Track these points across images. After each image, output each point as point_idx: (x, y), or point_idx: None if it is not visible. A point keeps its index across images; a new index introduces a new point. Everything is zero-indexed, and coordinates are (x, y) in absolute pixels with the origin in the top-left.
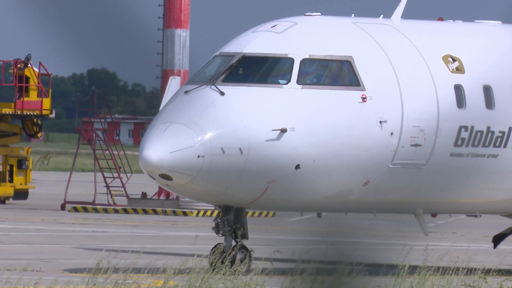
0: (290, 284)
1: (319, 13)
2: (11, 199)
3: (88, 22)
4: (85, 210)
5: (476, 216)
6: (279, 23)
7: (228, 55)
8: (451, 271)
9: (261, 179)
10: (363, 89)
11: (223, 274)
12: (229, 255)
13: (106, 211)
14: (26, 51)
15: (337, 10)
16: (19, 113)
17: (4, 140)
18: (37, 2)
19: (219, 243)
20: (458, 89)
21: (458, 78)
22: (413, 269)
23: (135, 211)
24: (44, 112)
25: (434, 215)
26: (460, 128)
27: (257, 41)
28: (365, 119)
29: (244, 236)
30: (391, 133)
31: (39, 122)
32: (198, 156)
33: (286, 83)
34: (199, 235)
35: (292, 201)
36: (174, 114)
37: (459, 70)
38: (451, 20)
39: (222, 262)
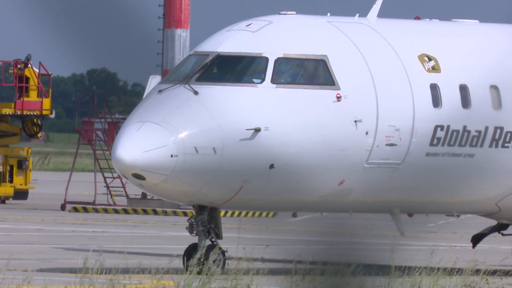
0: (290, 284)
1: (294, 12)
2: (11, 199)
3: (88, 22)
4: (85, 210)
5: (453, 216)
6: (253, 22)
7: (203, 54)
8: (454, 272)
9: (235, 178)
10: (338, 88)
11: (197, 273)
12: (202, 255)
13: (106, 211)
14: (26, 51)
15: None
16: (19, 113)
17: (4, 140)
18: (37, 2)
19: (192, 243)
20: (434, 88)
21: (434, 78)
22: (414, 270)
23: (135, 211)
24: (44, 112)
25: (410, 215)
26: (436, 127)
27: (232, 40)
28: (339, 118)
29: (218, 236)
30: (366, 133)
31: (39, 122)
32: (172, 156)
33: (261, 82)
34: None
35: (266, 201)
36: (147, 114)
37: (435, 69)
38: (428, 19)
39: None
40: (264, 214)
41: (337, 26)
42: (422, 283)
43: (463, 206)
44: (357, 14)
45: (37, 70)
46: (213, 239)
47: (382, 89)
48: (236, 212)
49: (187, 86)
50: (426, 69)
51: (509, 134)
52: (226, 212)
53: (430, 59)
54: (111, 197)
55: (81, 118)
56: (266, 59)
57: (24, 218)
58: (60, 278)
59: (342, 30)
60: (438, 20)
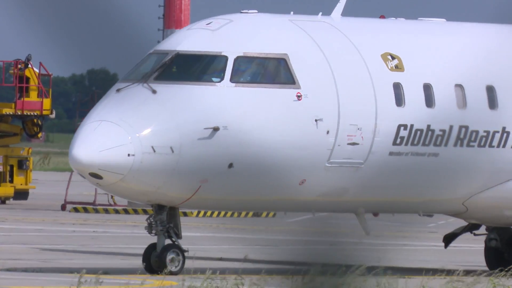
0: (290, 285)
1: (256, 11)
2: (11, 199)
3: (88, 23)
4: (86, 210)
5: (419, 215)
6: (214, 20)
7: (162, 53)
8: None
9: (193, 178)
10: (298, 87)
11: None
12: (161, 254)
13: (106, 211)
14: (27, 51)
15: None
16: (19, 113)
17: (4, 141)
18: (37, 2)
19: (152, 243)
20: (397, 87)
21: (397, 76)
22: (415, 270)
23: (136, 211)
24: (45, 113)
25: (376, 215)
26: (399, 126)
27: (191, 39)
28: (300, 117)
29: (178, 235)
30: (327, 132)
31: (40, 123)
32: (128, 155)
33: (220, 81)
34: (199, 235)
35: (226, 200)
36: (105, 113)
37: (399, 68)
38: (394, 18)
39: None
40: (264, 214)
41: (299, 25)
42: (431, 284)
43: (429, 205)
44: (320, 13)
45: (37, 70)
46: (173, 239)
47: (343, 88)
48: (236, 213)
49: (145, 85)
50: (389, 68)
51: (474, 133)
52: (226, 213)
53: (393, 58)
54: (112, 197)
55: (81, 118)
56: (226, 58)
57: (24, 218)
58: (60, 278)
59: (304, 28)
60: (403, 19)
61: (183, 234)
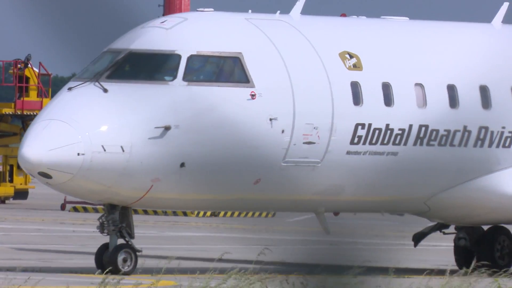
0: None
1: (212, 9)
2: (11, 199)
3: (88, 22)
4: (85, 210)
5: (382, 215)
6: (168, 19)
7: (115, 51)
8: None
9: (145, 177)
10: (253, 86)
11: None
12: (113, 254)
13: None
14: (26, 51)
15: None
16: (19, 113)
17: (4, 140)
18: (37, 2)
19: (104, 243)
20: (355, 86)
21: (355, 75)
22: (415, 270)
23: (135, 211)
24: None
25: (336, 214)
26: (357, 125)
27: (145, 37)
28: (254, 116)
29: (130, 235)
30: (282, 131)
31: None
32: (78, 154)
33: (172, 80)
34: (199, 235)
35: (179, 200)
36: (55, 112)
37: (357, 67)
38: (355, 16)
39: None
40: (264, 214)
41: (255, 23)
42: (431, 284)
43: (390, 205)
44: (278, 11)
45: (37, 70)
46: (126, 239)
47: (299, 87)
48: (236, 212)
49: (97, 83)
50: (347, 66)
51: (434, 133)
52: (225, 213)
53: (352, 56)
54: None
55: None
56: (179, 57)
57: (24, 218)
58: (60, 278)
59: (260, 27)
60: (365, 17)
61: (184, 234)
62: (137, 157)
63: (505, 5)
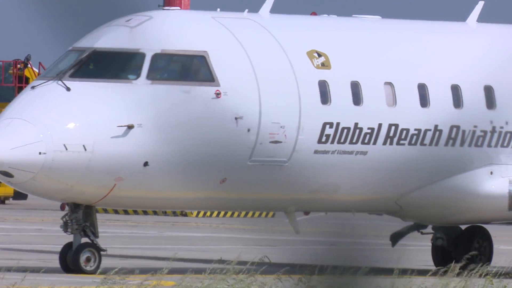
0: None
1: (178, 8)
2: (11, 199)
3: (88, 23)
4: None
5: (353, 214)
6: (134, 17)
7: (80, 50)
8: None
9: (107, 176)
10: (218, 85)
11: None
12: (76, 254)
13: (106, 211)
14: (26, 51)
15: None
16: None
17: None
18: (37, 1)
19: (68, 242)
20: (323, 85)
21: (323, 74)
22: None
23: (135, 211)
24: None
25: (306, 213)
26: (325, 124)
27: (109, 36)
28: (219, 115)
29: (94, 234)
30: (248, 130)
31: None
32: (40, 153)
33: (136, 79)
34: (199, 235)
35: (143, 199)
36: (18, 110)
37: (325, 65)
38: (326, 15)
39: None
40: (264, 214)
41: (222, 22)
42: (432, 284)
43: (361, 204)
44: (246, 10)
45: (36, 70)
46: (91, 238)
47: (265, 85)
48: (236, 213)
49: (59, 82)
50: (315, 65)
51: (404, 132)
52: (225, 213)
53: (320, 55)
54: None
55: None
56: (143, 55)
57: (24, 218)
58: (60, 278)
59: (227, 26)
60: (336, 16)
61: (184, 234)
62: (100, 156)
63: (480, 4)
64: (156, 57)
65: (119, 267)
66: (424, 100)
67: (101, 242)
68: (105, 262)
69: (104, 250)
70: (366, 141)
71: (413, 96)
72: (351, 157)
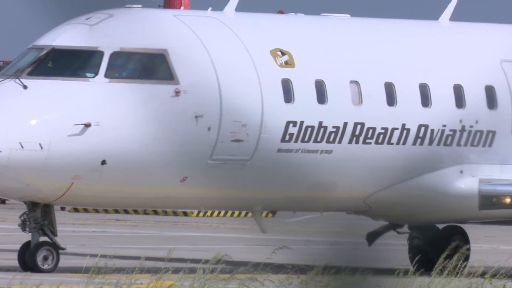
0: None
1: (140, 6)
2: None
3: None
4: (85, 210)
5: (321, 213)
6: (94, 15)
7: (38, 48)
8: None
9: (64, 174)
10: (177, 83)
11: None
12: (33, 252)
13: (106, 211)
14: None
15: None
16: None
17: None
18: (37, 1)
19: (27, 241)
20: (286, 83)
21: (287, 72)
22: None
23: (136, 211)
24: None
25: (273, 213)
26: (288, 123)
27: (68, 34)
28: (178, 113)
29: (53, 233)
30: (209, 128)
31: None
32: None
33: (93, 77)
34: (199, 235)
35: (101, 198)
36: None
37: (289, 64)
38: (294, 13)
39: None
40: (264, 214)
41: (183, 20)
42: (432, 284)
43: (328, 203)
44: (210, 8)
45: None
46: (49, 236)
47: (226, 84)
48: (236, 213)
49: (17, 80)
50: (278, 64)
51: (371, 130)
52: (226, 212)
53: (284, 54)
54: None
55: None
56: (101, 53)
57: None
58: (60, 278)
59: (188, 24)
60: (303, 14)
61: (185, 234)
62: (56, 154)
63: (453, 2)
64: (114, 55)
65: (119, 267)
66: (391, 99)
67: (101, 241)
68: (105, 262)
69: (63, 249)
70: (331, 140)
71: (379, 95)
72: (316, 156)
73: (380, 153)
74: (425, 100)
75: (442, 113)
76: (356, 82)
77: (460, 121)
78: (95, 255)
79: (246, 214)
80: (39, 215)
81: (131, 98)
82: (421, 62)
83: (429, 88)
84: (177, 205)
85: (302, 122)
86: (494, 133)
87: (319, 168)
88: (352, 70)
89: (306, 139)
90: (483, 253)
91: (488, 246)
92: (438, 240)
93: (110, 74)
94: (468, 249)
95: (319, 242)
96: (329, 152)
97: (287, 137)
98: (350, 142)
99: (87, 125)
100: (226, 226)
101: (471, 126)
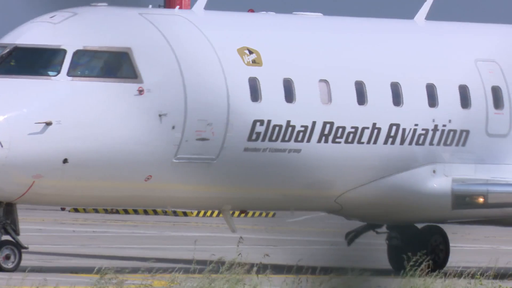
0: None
1: (106, 4)
2: None
3: None
4: (85, 210)
5: (291, 212)
6: (58, 13)
7: (2, 46)
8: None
9: (25, 173)
10: (141, 82)
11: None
12: None
13: (106, 211)
14: None
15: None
16: None
17: None
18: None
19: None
20: (254, 82)
21: (254, 71)
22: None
23: (136, 211)
24: None
25: (243, 212)
26: (255, 122)
27: (32, 32)
28: (142, 112)
29: (16, 232)
30: (173, 127)
31: None
32: None
33: (56, 75)
34: (199, 235)
35: (64, 196)
36: None
37: (256, 62)
38: (264, 12)
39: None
40: (264, 214)
41: (149, 19)
42: (432, 285)
43: (298, 202)
44: (177, 7)
45: None
46: (12, 235)
47: (192, 83)
48: (236, 213)
49: None
50: (246, 62)
51: (340, 129)
52: None
53: (251, 52)
54: None
55: None
56: (64, 51)
57: (24, 218)
58: (60, 278)
59: (154, 22)
60: (274, 13)
61: (185, 234)
62: (17, 153)
63: (429, 1)
64: (77, 54)
65: (119, 267)
66: (362, 98)
67: (101, 241)
68: (106, 262)
69: (25, 248)
70: (299, 139)
71: (350, 94)
72: (284, 155)
73: (350, 152)
74: (397, 99)
75: (414, 112)
76: (326, 81)
77: (433, 120)
78: (95, 255)
79: (246, 214)
80: (1, 214)
81: (94, 96)
82: (393, 61)
83: (401, 87)
84: (143, 204)
85: (269, 121)
86: (468, 132)
87: (287, 167)
88: (322, 69)
89: (273, 138)
90: (483, 253)
91: (488, 246)
92: (417, 240)
93: (73, 72)
94: (447, 250)
95: (319, 243)
96: (297, 151)
97: (254, 136)
98: (319, 141)
99: (48, 124)
100: (226, 226)
101: (444, 125)
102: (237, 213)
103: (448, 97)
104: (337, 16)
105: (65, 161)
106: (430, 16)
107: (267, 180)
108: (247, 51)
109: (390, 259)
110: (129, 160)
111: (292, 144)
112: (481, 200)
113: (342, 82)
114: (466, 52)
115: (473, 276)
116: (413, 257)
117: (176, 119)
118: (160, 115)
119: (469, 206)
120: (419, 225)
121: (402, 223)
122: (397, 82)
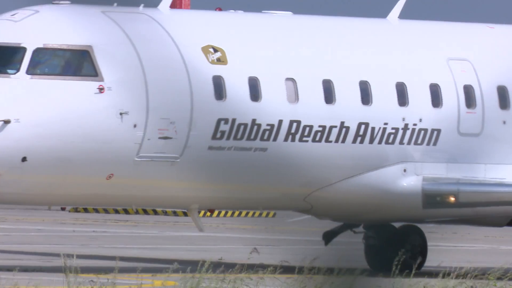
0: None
1: (69, 2)
2: None
3: None
4: (86, 210)
5: (260, 211)
6: (20, 11)
7: None
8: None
9: None
10: (101, 80)
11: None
12: None
13: (106, 211)
14: None
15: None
16: None
17: None
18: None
19: None
20: (218, 80)
21: (219, 69)
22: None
23: (136, 211)
24: None
25: (211, 211)
26: (219, 120)
27: None
28: (102, 110)
29: None
30: (135, 125)
31: None
32: None
33: (15, 73)
34: (199, 235)
35: (23, 195)
36: None
37: (221, 61)
38: (232, 10)
39: None
40: (264, 214)
41: (111, 17)
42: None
43: (266, 201)
44: (142, 5)
45: None
46: None
47: (154, 81)
48: (236, 212)
49: None
50: (210, 60)
51: (307, 128)
52: (226, 212)
53: (216, 50)
54: None
55: None
56: (24, 49)
57: (24, 218)
58: (60, 278)
59: (116, 21)
60: (242, 11)
61: (185, 234)
62: None
63: (402, 0)
64: (37, 52)
65: (119, 267)
66: (329, 97)
67: (101, 241)
68: (105, 262)
69: None
70: (265, 137)
71: (317, 93)
72: (249, 154)
73: (318, 151)
74: (366, 97)
75: (384, 111)
76: (293, 80)
77: (403, 119)
78: (95, 255)
79: (246, 214)
80: None
81: (53, 94)
82: (362, 59)
83: (370, 85)
84: (105, 203)
85: (234, 120)
86: (439, 131)
87: (253, 166)
88: (289, 67)
89: (239, 136)
90: (483, 253)
91: (488, 246)
92: (394, 240)
93: (33, 70)
94: (425, 249)
95: (319, 243)
96: (263, 150)
97: (218, 135)
98: (285, 140)
99: (7, 122)
100: (226, 226)
101: (415, 125)
102: (243, 213)
103: (419, 96)
104: (307, 15)
105: (24, 159)
106: (403, 15)
107: (233, 179)
108: (211, 50)
109: (367, 259)
110: (90, 158)
111: (258, 143)
112: (452, 199)
113: (309, 80)
114: (438, 51)
115: (475, 277)
116: (392, 256)
117: (137, 117)
118: (121, 114)
119: (440, 206)
120: (397, 225)
121: (376, 223)
122: (366, 81)
